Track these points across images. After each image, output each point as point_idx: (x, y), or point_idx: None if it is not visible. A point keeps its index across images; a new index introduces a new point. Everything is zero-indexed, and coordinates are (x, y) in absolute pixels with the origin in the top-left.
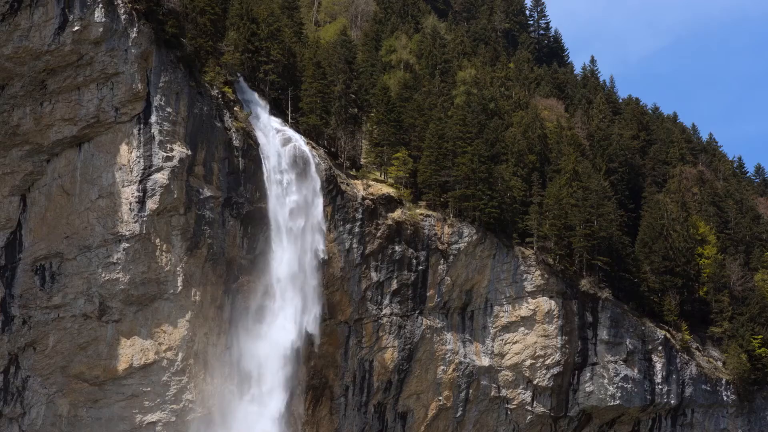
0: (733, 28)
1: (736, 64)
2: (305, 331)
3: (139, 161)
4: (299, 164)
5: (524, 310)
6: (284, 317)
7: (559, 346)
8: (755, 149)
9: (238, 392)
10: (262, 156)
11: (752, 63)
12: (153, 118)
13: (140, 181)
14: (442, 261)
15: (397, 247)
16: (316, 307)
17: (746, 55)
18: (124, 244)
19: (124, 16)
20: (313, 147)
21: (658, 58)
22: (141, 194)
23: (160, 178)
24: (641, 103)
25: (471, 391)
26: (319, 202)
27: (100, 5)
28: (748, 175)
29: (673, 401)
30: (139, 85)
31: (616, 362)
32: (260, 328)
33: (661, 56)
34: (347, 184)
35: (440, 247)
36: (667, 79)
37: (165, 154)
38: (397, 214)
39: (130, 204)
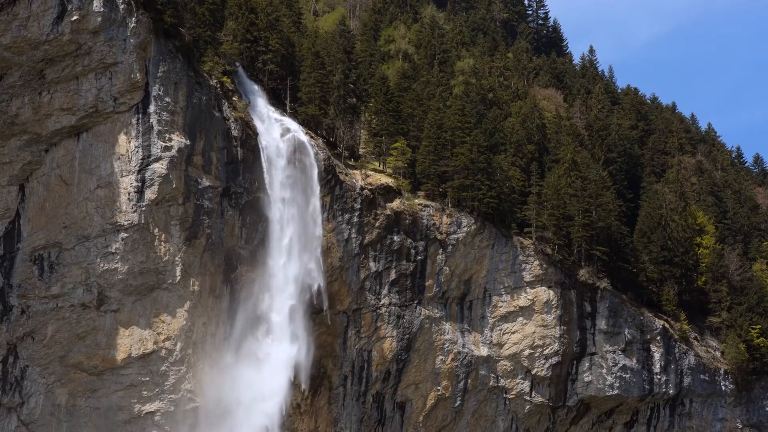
0: (736, 14)
1: (739, 51)
2: (303, 320)
3: (137, 151)
4: (298, 154)
5: (523, 300)
6: (283, 307)
7: (557, 336)
8: (756, 138)
9: (237, 382)
10: (260, 146)
11: (755, 50)
12: (151, 108)
13: (139, 171)
14: (440, 251)
15: (395, 237)
16: (315, 297)
17: (749, 42)
18: (123, 234)
19: (122, 6)
20: (311, 137)
21: (660, 45)
22: (139, 184)
23: (159, 167)
24: (640, 93)
25: (469, 380)
26: (318, 192)
27: None
28: (746, 165)
29: (671, 391)
30: (137, 74)
31: (614, 352)
32: (259, 318)
33: (664, 42)
34: (346, 174)
35: (439, 237)
36: (669, 66)
37: (163, 144)
38: (395, 204)
39: (129, 194)
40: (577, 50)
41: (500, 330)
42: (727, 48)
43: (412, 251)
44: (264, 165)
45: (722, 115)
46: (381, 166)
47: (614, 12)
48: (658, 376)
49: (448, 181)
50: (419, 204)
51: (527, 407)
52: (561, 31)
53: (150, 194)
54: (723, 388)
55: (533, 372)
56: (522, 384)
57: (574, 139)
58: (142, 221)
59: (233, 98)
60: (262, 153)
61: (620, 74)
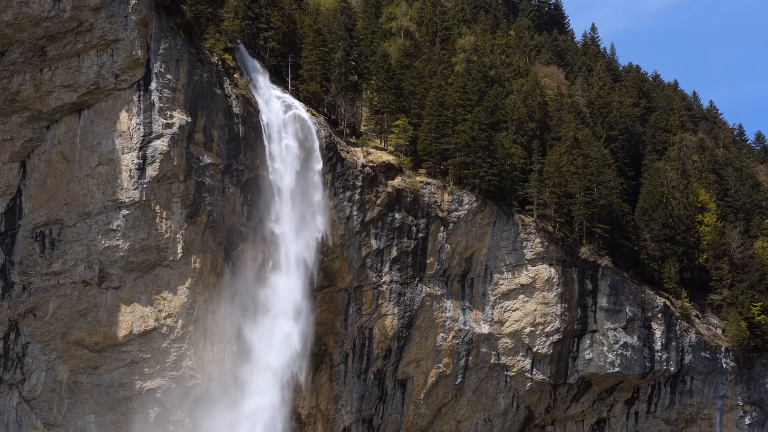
0: None
1: (752, 20)
2: (305, 298)
3: (139, 128)
4: (299, 131)
5: (524, 277)
6: (284, 284)
7: (558, 313)
8: (762, 110)
9: (239, 359)
10: (262, 123)
11: (766, 20)
12: (153, 85)
13: (140, 148)
14: (441, 229)
15: (397, 215)
16: (315, 275)
17: (763, 11)
18: (124, 211)
19: None
20: (313, 114)
21: (671, 13)
22: (141, 161)
23: (160, 145)
24: (642, 70)
25: (470, 358)
26: (319, 169)
27: None
28: (748, 142)
29: (672, 368)
30: (138, 51)
31: (615, 329)
32: (261, 296)
33: (675, 11)
34: (347, 152)
35: (440, 214)
36: (679, 36)
37: (165, 121)
38: (397, 181)
39: (130, 171)
40: (583, 20)
41: (501, 307)
42: (738, 18)
43: (414, 229)
44: (265, 142)
45: (731, 86)
46: (382, 144)
47: None
48: (659, 354)
49: (450, 159)
50: (420, 181)
51: (528, 384)
52: (563, 8)
53: (151, 171)
54: (724, 365)
55: (534, 349)
56: (523, 361)
57: (575, 117)
58: (144, 198)
59: (234, 75)
60: (263, 130)
61: (628, 44)
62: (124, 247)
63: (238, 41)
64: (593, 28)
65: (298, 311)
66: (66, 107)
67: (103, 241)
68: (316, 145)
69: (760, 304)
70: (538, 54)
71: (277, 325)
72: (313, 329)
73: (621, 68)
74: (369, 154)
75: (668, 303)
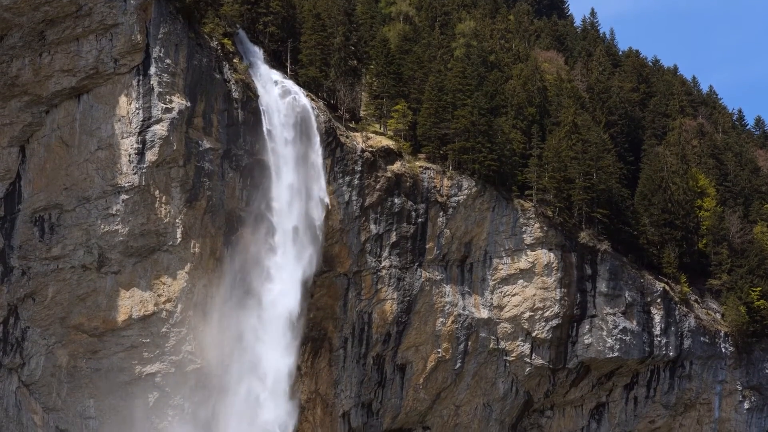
0: None
1: (753, 3)
2: (305, 282)
3: (138, 113)
4: (298, 116)
5: (523, 262)
6: (284, 269)
7: (557, 298)
8: (764, 92)
9: (238, 344)
10: (261, 108)
11: None
12: (152, 70)
13: (139, 133)
14: (441, 213)
15: (396, 200)
16: (315, 260)
17: None
18: (124, 196)
19: None
20: (312, 99)
21: None
22: (140, 146)
23: (160, 129)
24: (641, 55)
25: (470, 343)
26: (319, 154)
27: None
28: (747, 127)
29: (671, 353)
30: (138, 36)
31: (614, 314)
32: (260, 280)
33: None
34: (347, 137)
35: (439, 199)
36: (681, 18)
37: (164, 106)
38: (396, 166)
39: (129, 156)
40: (583, 4)
41: (501, 292)
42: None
43: (413, 214)
44: (265, 127)
45: (732, 69)
46: (382, 129)
47: None
48: (659, 339)
49: (449, 144)
50: (420, 166)
51: (527, 369)
52: None
53: (150, 156)
54: (723, 350)
55: (533, 334)
56: (522, 346)
57: (575, 102)
58: (143, 183)
59: (234, 60)
60: (262, 115)
61: (629, 26)
62: (123, 231)
63: (238, 26)
64: (593, 13)
65: (297, 296)
66: (65, 92)
67: (102, 226)
68: (316, 130)
69: (759, 289)
70: (538, 39)
71: (276, 310)
72: (312, 314)
73: (621, 53)
74: (368, 139)
75: (667, 288)
